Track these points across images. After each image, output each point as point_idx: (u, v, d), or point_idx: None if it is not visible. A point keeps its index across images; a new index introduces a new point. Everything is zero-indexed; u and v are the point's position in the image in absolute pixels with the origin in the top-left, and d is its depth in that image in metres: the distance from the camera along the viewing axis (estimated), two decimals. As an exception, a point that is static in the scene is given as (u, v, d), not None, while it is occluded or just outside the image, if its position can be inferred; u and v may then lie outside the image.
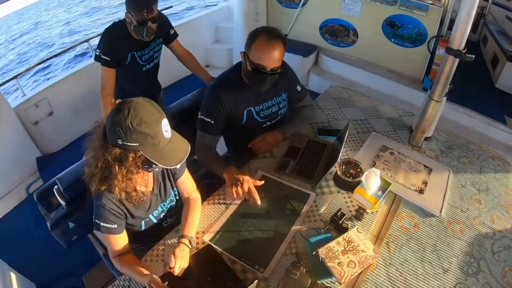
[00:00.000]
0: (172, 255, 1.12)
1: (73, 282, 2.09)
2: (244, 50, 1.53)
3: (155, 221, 1.35)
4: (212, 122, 1.57)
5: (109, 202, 1.14)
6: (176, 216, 1.45)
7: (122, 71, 2.03)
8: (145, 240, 1.42)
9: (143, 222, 1.31)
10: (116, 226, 1.18)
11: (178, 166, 1.18)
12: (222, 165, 1.53)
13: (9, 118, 2.80)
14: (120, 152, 1.02)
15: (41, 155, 3.12)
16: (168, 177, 1.34)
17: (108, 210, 1.15)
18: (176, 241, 1.22)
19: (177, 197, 1.43)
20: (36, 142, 3.08)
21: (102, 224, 1.15)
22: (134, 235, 1.33)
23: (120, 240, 1.22)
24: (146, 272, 1.11)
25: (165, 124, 1.03)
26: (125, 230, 1.24)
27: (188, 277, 1.13)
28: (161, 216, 1.37)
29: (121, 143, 1.00)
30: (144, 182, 1.24)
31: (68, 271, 2.19)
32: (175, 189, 1.40)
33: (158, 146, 1.02)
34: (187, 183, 1.40)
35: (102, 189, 1.10)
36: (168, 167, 1.15)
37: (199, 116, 1.59)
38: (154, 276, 1.07)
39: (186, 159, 1.10)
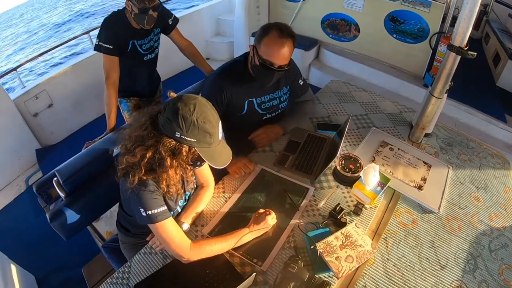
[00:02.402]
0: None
1: (71, 274, 2.10)
2: (253, 44, 1.52)
3: (179, 210, 1.34)
4: None
5: (153, 187, 1.09)
6: None
7: (123, 61, 2.02)
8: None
9: (171, 214, 1.28)
10: (165, 208, 1.11)
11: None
12: None
13: (9, 110, 2.79)
14: (175, 145, 1.02)
15: (40, 147, 3.12)
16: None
17: (156, 193, 1.09)
18: None
19: (195, 186, 1.42)
20: (36, 134, 3.08)
21: (155, 211, 1.07)
22: (141, 228, 1.31)
23: (176, 224, 1.14)
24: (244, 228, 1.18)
25: (220, 126, 1.08)
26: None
27: (187, 270, 1.13)
28: (183, 205, 1.37)
29: (179, 136, 1.00)
30: (189, 177, 1.26)
31: (67, 263, 2.20)
32: (194, 177, 1.39)
33: (211, 146, 1.05)
34: (205, 171, 1.39)
35: (145, 178, 1.06)
36: (216, 167, 1.11)
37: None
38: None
39: None
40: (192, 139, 1.01)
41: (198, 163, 1.10)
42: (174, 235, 1.10)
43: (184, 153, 1.04)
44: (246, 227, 1.21)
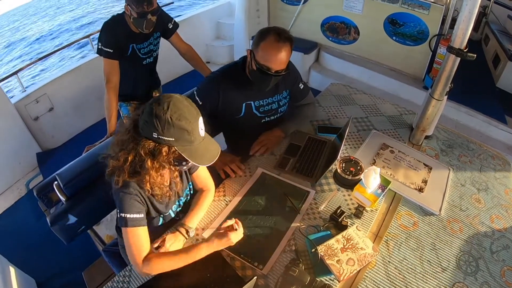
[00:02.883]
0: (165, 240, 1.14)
1: (72, 278, 2.09)
2: (251, 48, 1.52)
3: (173, 215, 1.33)
4: (200, 103, 1.59)
5: (136, 190, 1.10)
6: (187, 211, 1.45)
7: (123, 65, 2.02)
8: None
9: (161, 218, 1.29)
10: (142, 215, 1.12)
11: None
12: None
13: (10, 113, 2.80)
14: (154, 146, 1.01)
15: (41, 150, 3.12)
16: (185, 172, 1.33)
17: (134, 197, 1.10)
18: (174, 228, 1.22)
19: (191, 192, 1.41)
20: (36, 138, 3.08)
21: (128, 216, 1.08)
22: None
23: (144, 236, 1.12)
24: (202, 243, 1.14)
25: (201, 122, 1.04)
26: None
27: (188, 273, 1.13)
28: (178, 210, 1.36)
29: (156, 136, 0.99)
30: (174, 178, 1.22)
31: (67, 267, 2.20)
32: (190, 183, 1.39)
33: (192, 144, 1.03)
34: (202, 176, 1.39)
35: (129, 181, 1.08)
36: (200, 165, 1.12)
37: (193, 91, 1.64)
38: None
39: None
40: (169, 138, 1.00)
41: (184, 163, 1.07)
42: (136, 244, 1.10)
43: (164, 153, 1.02)
44: (205, 242, 1.14)
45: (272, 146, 1.66)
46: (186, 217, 1.28)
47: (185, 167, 1.13)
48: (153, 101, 1.01)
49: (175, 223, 1.32)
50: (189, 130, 1.00)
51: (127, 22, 1.95)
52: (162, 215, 1.28)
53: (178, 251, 1.15)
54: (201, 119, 1.04)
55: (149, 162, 1.02)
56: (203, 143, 1.06)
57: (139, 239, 1.10)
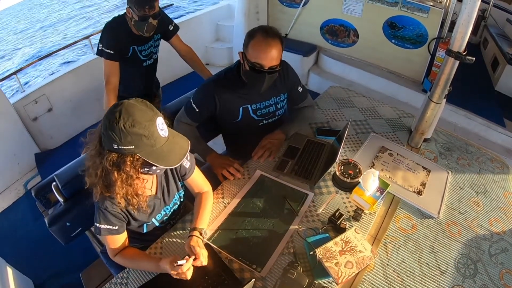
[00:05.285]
0: (191, 248, 1.13)
1: (70, 279, 2.09)
2: (242, 50, 1.53)
3: (157, 224, 1.33)
4: (197, 110, 1.62)
5: (111, 205, 1.12)
6: (178, 218, 1.44)
7: (123, 66, 2.03)
8: (144, 240, 1.42)
9: (145, 226, 1.29)
10: (117, 227, 1.16)
11: (179, 165, 1.12)
12: (205, 149, 1.65)
13: (8, 114, 2.79)
14: (117, 157, 0.98)
15: (39, 151, 3.11)
16: (174, 179, 1.31)
17: (110, 213, 1.13)
18: (188, 234, 1.21)
19: (182, 200, 1.41)
20: (35, 138, 3.07)
21: (102, 226, 1.14)
22: (134, 234, 1.32)
23: (120, 239, 1.20)
24: (157, 259, 1.12)
25: (160, 122, 0.99)
26: (125, 231, 1.23)
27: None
28: (164, 219, 1.36)
29: (116, 147, 0.96)
30: (147, 186, 1.22)
31: (65, 268, 2.19)
32: (181, 191, 1.38)
33: (155, 147, 0.99)
34: (198, 180, 1.38)
35: (106, 196, 1.09)
36: (168, 167, 1.10)
37: (190, 99, 1.65)
38: (175, 255, 1.09)
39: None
40: (129, 147, 0.96)
41: (154, 167, 1.04)
42: (110, 244, 1.19)
43: (129, 163, 0.99)
44: (163, 262, 1.09)
45: (276, 150, 1.65)
46: (195, 221, 1.26)
47: (158, 171, 1.10)
48: (106, 113, 0.99)
49: (165, 231, 1.34)
50: (146, 134, 0.96)
51: (128, 24, 1.95)
52: (146, 224, 1.29)
53: (143, 258, 1.19)
54: (159, 120, 0.99)
55: (115, 174, 1.00)
56: (167, 144, 1.02)
57: (113, 241, 1.19)
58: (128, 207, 1.13)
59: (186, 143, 1.07)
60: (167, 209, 1.34)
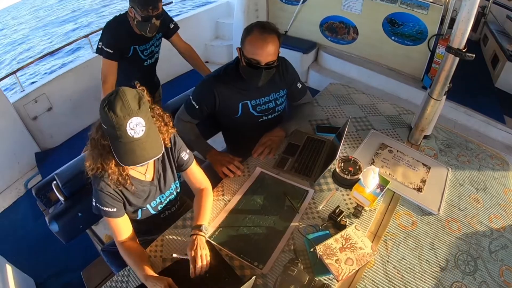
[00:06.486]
0: (192, 252, 1.13)
1: (71, 278, 2.09)
2: (239, 46, 1.53)
3: (152, 211, 1.35)
4: (197, 107, 1.62)
5: (106, 186, 1.15)
6: (175, 209, 1.47)
7: (123, 65, 2.02)
8: (142, 232, 1.43)
9: (139, 211, 1.31)
10: (115, 209, 1.19)
11: (175, 158, 1.26)
12: (205, 147, 1.65)
13: (8, 113, 2.79)
14: (104, 132, 1.06)
15: (39, 150, 3.12)
16: (171, 169, 1.33)
17: (106, 194, 1.16)
18: (190, 233, 1.22)
19: (178, 190, 1.42)
20: (35, 138, 3.08)
21: (102, 208, 1.17)
22: (139, 232, 1.33)
23: (123, 224, 1.22)
24: (150, 272, 1.10)
25: (135, 122, 0.98)
26: (127, 215, 1.24)
27: (186, 274, 1.13)
28: (159, 207, 1.37)
29: (105, 127, 1.03)
30: (141, 171, 1.24)
31: (66, 267, 2.19)
32: (177, 182, 1.39)
33: (119, 140, 1.00)
34: (197, 174, 1.40)
35: (99, 172, 1.11)
36: (121, 164, 1.07)
37: (189, 96, 1.66)
38: (169, 279, 1.07)
39: None
40: (105, 127, 1.02)
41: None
42: (115, 230, 1.22)
43: (106, 143, 1.06)
44: (147, 277, 1.08)
45: (276, 147, 1.65)
46: (195, 219, 1.27)
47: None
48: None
49: (160, 220, 1.39)
50: (115, 124, 0.97)
51: (129, 23, 1.94)
52: (140, 209, 1.31)
53: (139, 262, 1.15)
54: (136, 120, 0.98)
55: (103, 141, 1.07)
56: (133, 144, 1.00)
57: (117, 226, 1.21)
58: (119, 186, 1.17)
59: (155, 152, 1.06)
60: (162, 197, 1.36)
